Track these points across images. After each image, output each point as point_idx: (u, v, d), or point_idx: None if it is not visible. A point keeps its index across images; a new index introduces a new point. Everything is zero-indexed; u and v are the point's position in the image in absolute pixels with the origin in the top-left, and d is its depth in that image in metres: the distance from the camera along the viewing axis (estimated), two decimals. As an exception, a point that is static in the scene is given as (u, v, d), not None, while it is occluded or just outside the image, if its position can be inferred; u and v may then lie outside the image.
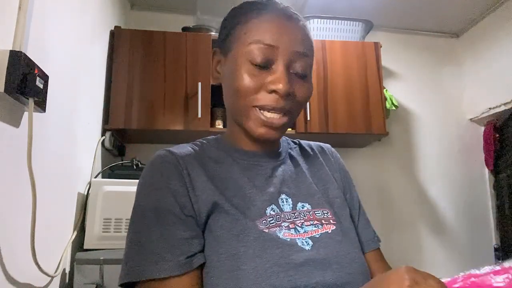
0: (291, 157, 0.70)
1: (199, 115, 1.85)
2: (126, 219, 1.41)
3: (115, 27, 1.93)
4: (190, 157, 0.60)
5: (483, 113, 2.46)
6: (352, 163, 2.38)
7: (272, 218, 0.57)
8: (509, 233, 2.32)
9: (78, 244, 1.40)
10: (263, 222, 0.56)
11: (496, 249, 2.40)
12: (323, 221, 0.60)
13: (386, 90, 2.29)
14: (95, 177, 1.61)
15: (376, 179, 2.41)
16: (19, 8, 0.93)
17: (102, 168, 1.73)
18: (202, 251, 0.54)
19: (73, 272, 1.29)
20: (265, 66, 0.57)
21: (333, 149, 0.77)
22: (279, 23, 0.59)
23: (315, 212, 0.61)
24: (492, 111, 2.38)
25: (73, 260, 1.31)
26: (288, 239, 0.55)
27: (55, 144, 1.22)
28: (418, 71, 2.62)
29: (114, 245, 1.38)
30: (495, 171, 2.47)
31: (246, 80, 0.57)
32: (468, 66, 2.62)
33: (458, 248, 2.38)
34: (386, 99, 2.24)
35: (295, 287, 0.50)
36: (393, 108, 2.27)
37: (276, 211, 0.58)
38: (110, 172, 1.64)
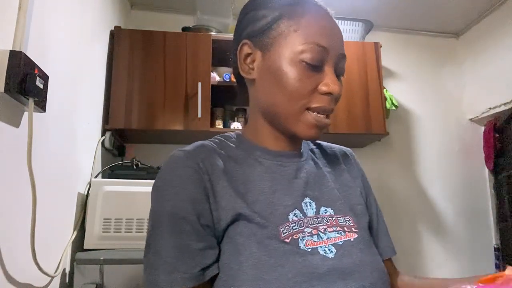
0: (313, 158, 0.68)
1: (199, 115, 1.85)
2: (126, 219, 1.41)
3: (115, 27, 1.93)
4: (210, 159, 0.58)
5: (483, 113, 2.46)
6: (352, 163, 2.38)
7: (294, 224, 0.55)
8: (509, 233, 2.32)
9: (78, 244, 1.39)
10: (286, 227, 0.54)
11: (496, 249, 2.40)
12: (345, 228, 0.58)
13: (386, 90, 2.29)
14: (95, 177, 1.61)
15: (376, 179, 2.41)
16: (19, 8, 0.93)
17: (102, 168, 1.73)
18: (216, 261, 0.53)
19: (73, 272, 1.29)
20: (318, 67, 0.56)
21: (354, 154, 0.75)
22: (328, 24, 0.58)
23: (338, 219, 0.59)
24: (492, 111, 2.38)
25: (73, 260, 1.31)
26: (310, 249, 0.53)
27: (55, 144, 1.22)
28: (418, 71, 2.62)
29: (114, 245, 1.38)
30: (495, 171, 2.46)
31: (301, 82, 0.56)
32: (468, 66, 2.62)
33: (458, 248, 2.38)
34: (386, 99, 2.24)
35: None
36: (393, 108, 2.27)
37: (299, 216, 0.56)
38: (110, 172, 1.64)
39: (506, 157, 2.36)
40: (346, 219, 0.60)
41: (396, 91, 2.49)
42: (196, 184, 0.54)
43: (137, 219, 1.42)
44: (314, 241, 0.55)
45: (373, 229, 0.68)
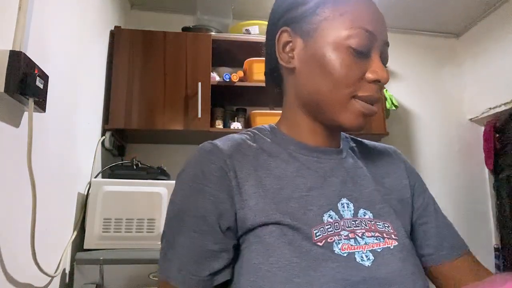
0: (353, 156, 0.63)
1: (199, 115, 1.85)
2: (126, 219, 1.41)
3: (115, 27, 1.93)
4: (239, 155, 0.55)
5: (483, 113, 2.46)
6: (352, 163, 2.38)
7: (330, 226, 0.52)
8: (509, 233, 2.32)
9: (78, 244, 1.39)
10: (320, 229, 0.51)
11: (496, 249, 2.40)
12: (384, 234, 0.54)
13: (386, 90, 2.29)
14: (95, 177, 1.61)
15: (376, 179, 2.41)
16: (19, 8, 0.93)
17: (102, 168, 1.73)
18: (228, 266, 0.52)
19: (73, 272, 1.29)
20: (365, 54, 0.53)
21: (399, 152, 0.70)
22: (374, 9, 0.55)
23: (377, 223, 0.55)
24: (492, 111, 2.38)
25: (73, 260, 1.31)
26: (345, 254, 0.49)
27: (55, 144, 1.22)
28: (418, 71, 2.62)
29: (114, 245, 1.38)
30: (495, 171, 2.46)
31: (348, 69, 0.52)
32: (468, 66, 2.62)
33: (458, 248, 2.38)
34: (386, 99, 2.24)
35: None
36: (393, 108, 2.27)
37: (334, 218, 0.53)
38: (110, 172, 1.64)
39: (506, 157, 2.36)
40: (385, 224, 0.55)
41: (396, 91, 2.49)
42: (220, 182, 0.52)
43: (137, 219, 1.41)
44: (351, 245, 0.51)
45: (431, 229, 0.63)
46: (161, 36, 1.94)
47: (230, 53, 2.13)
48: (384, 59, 0.56)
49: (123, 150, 2.04)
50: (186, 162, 0.56)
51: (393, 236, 0.54)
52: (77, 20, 1.42)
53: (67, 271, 1.33)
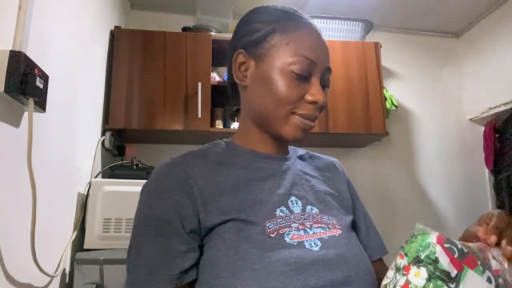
0: (300, 162, 0.72)
1: (199, 115, 1.85)
2: (126, 219, 1.41)
3: (115, 27, 1.93)
4: (198, 165, 0.62)
5: (483, 113, 2.46)
6: (352, 163, 2.38)
7: (281, 219, 0.58)
8: (509, 233, 2.32)
9: (78, 244, 1.39)
10: (273, 222, 0.57)
11: (496, 249, 2.40)
12: (329, 225, 0.62)
13: (386, 90, 2.29)
14: (95, 177, 1.60)
15: (376, 179, 2.41)
16: (19, 8, 0.93)
17: (102, 168, 1.73)
18: (196, 265, 0.56)
19: (73, 272, 1.29)
20: (306, 78, 0.62)
21: (341, 163, 0.81)
22: (316, 40, 0.64)
23: (322, 217, 0.63)
24: (492, 111, 2.38)
25: (73, 260, 1.31)
26: (296, 242, 0.56)
27: (55, 144, 1.22)
28: (418, 71, 2.62)
29: (114, 245, 1.38)
30: (495, 171, 2.46)
31: (290, 89, 0.61)
32: (468, 66, 2.62)
33: (458, 248, 2.38)
34: (386, 99, 2.24)
35: (304, 285, 0.52)
36: (393, 108, 2.27)
37: (285, 213, 0.60)
38: (110, 172, 1.64)
39: (506, 157, 2.36)
40: (330, 218, 0.64)
41: (396, 91, 2.49)
42: (181, 190, 0.58)
43: (137, 219, 1.41)
44: (301, 235, 0.58)
45: (362, 231, 0.72)
46: (161, 36, 1.94)
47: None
48: (325, 82, 0.65)
49: (123, 150, 2.04)
50: (150, 178, 0.62)
51: (337, 226, 0.63)
52: (77, 20, 1.42)
53: (67, 271, 1.33)
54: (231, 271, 0.52)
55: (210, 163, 0.64)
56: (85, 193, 1.50)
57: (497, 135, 2.43)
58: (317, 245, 0.57)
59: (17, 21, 0.93)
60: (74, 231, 1.38)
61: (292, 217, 0.60)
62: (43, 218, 1.05)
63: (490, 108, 2.39)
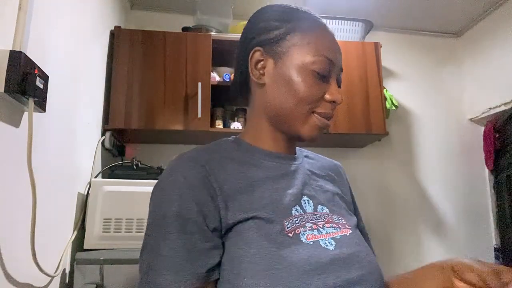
0: (308, 162, 0.73)
1: (199, 115, 1.85)
2: (126, 219, 1.41)
3: (115, 27, 1.93)
4: (215, 161, 0.61)
5: (483, 113, 2.46)
6: (352, 163, 2.38)
7: (296, 219, 0.59)
8: (509, 233, 2.32)
9: (78, 244, 1.39)
10: (290, 221, 0.58)
11: (496, 249, 2.40)
12: (340, 225, 0.63)
13: (386, 90, 2.29)
14: (95, 177, 1.60)
15: (376, 179, 2.41)
16: (19, 8, 0.93)
17: (102, 168, 1.73)
18: (219, 264, 0.55)
19: (73, 272, 1.29)
20: (325, 78, 0.63)
21: (343, 167, 0.82)
22: (333, 40, 0.66)
23: (333, 217, 0.64)
24: (492, 111, 2.38)
25: (73, 260, 1.31)
26: (311, 242, 0.57)
27: (55, 144, 1.22)
28: (418, 71, 2.62)
29: (114, 245, 1.38)
30: (495, 171, 2.46)
31: (311, 89, 0.62)
32: (468, 66, 2.62)
33: (458, 248, 2.38)
34: (386, 99, 2.24)
35: (325, 284, 0.52)
36: (393, 108, 2.27)
37: (300, 212, 0.60)
38: (110, 172, 1.64)
39: (506, 157, 2.36)
40: (339, 218, 0.65)
41: (396, 91, 2.49)
42: (202, 186, 0.56)
43: (137, 219, 1.42)
44: (315, 235, 0.58)
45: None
46: (161, 36, 1.94)
47: (230, 53, 2.10)
48: (339, 82, 0.67)
49: (123, 150, 2.04)
50: (164, 173, 0.60)
51: (347, 226, 0.64)
52: (77, 20, 1.42)
53: (67, 271, 1.33)
54: (254, 270, 0.51)
55: (225, 160, 0.63)
56: (85, 193, 1.50)
57: (497, 135, 2.43)
58: (331, 244, 0.58)
59: (17, 21, 0.92)
60: (74, 231, 1.38)
61: (306, 216, 0.60)
62: (43, 218, 1.05)
63: (490, 108, 2.39)
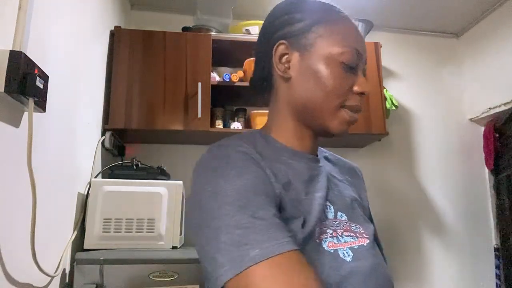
0: (328, 164, 0.71)
1: (199, 115, 1.85)
2: (126, 219, 1.41)
3: (115, 27, 1.93)
4: (256, 153, 0.58)
5: (483, 113, 2.46)
6: (352, 163, 2.38)
7: (322, 224, 0.58)
8: (509, 233, 2.32)
9: (78, 244, 1.39)
10: (318, 226, 0.57)
11: (496, 249, 2.40)
12: (357, 234, 0.61)
13: (386, 90, 2.29)
14: (95, 177, 1.60)
15: (376, 179, 2.41)
16: (19, 8, 0.93)
17: (102, 168, 1.73)
18: None
19: (73, 272, 1.29)
20: (353, 69, 0.61)
21: (361, 170, 0.80)
22: (359, 32, 0.64)
23: (351, 225, 0.62)
24: (492, 111, 2.38)
25: (73, 260, 1.31)
26: (332, 250, 0.55)
27: (55, 144, 1.22)
28: (418, 71, 2.62)
29: (114, 245, 1.38)
30: (495, 171, 2.46)
31: (340, 81, 0.59)
32: (468, 66, 2.62)
33: (458, 248, 2.38)
34: (386, 99, 2.24)
35: None
36: (393, 108, 2.27)
37: (323, 218, 0.59)
38: (110, 172, 1.64)
39: (506, 157, 2.36)
40: (357, 226, 0.62)
41: (396, 91, 2.49)
42: (258, 166, 0.55)
43: (137, 219, 1.41)
44: (335, 243, 0.57)
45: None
46: (161, 36, 1.94)
47: (230, 53, 2.13)
48: (364, 72, 0.65)
49: (123, 150, 2.04)
50: (211, 155, 0.56)
51: (364, 235, 0.62)
52: (77, 20, 1.42)
53: (67, 271, 1.33)
54: None
55: (257, 155, 0.58)
56: (85, 193, 1.50)
57: (497, 135, 2.43)
58: (349, 255, 0.56)
59: (17, 21, 0.92)
60: (74, 231, 1.38)
61: (327, 223, 0.59)
62: (43, 218, 1.05)
63: (490, 108, 2.39)
